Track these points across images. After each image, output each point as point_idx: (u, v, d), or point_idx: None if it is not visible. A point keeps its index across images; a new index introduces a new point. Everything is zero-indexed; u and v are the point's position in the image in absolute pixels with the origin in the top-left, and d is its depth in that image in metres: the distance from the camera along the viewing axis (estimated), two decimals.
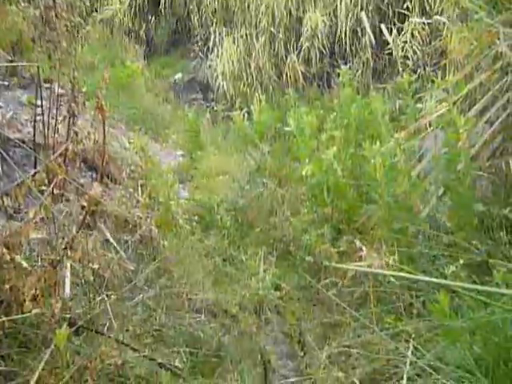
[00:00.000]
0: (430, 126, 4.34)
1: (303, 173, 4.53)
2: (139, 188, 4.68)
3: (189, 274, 4.51)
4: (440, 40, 8.67)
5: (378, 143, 4.19)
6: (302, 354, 4.51)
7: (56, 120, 4.16)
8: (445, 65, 8.38)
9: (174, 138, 8.34)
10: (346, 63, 10.27)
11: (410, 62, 9.59)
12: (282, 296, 5.26)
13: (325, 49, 10.67)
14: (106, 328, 2.89)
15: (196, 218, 6.12)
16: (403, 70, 9.53)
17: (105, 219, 3.94)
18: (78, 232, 2.86)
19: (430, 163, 3.83)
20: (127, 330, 3.01)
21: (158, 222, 4.47)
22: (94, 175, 4.72)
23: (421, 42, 9.68)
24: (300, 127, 6.01)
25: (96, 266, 3.04)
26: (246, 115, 9.03)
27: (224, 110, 10.16)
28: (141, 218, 4.11)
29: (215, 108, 10.31)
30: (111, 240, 3.73)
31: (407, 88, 4.96)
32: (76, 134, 3.84)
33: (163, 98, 11.06)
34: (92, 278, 3.02)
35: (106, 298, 2.98)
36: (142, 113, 8.94)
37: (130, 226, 4.08)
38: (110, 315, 2.86)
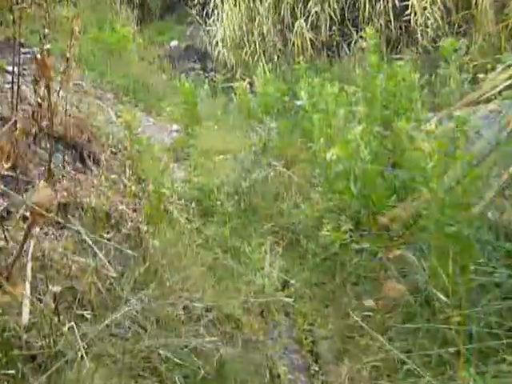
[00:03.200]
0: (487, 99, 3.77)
1: (327, 156, 3.95)
2: (126, 171, 4.11)
3: (185, 277, 3.97)
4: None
5: (411, 121, 3.65)
6: (316, 367, 4.01)
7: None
8: (471, 34, 7.81)
9: (168, 111, 7.75)
10: (358, 31, 9.70)
11: (430, 31, 8.96)
12: (290, 294, 4.76)
13: (335, 14, 10.01)
14: (74, 364, 2.33)
15: (193, 203, 5.60)
16: (422, 39, 8.98)
17: (80, 213, 3.37)
18: (15, 261, 2.27)
19: (489, 145, 3.27)
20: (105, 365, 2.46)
21: (148, 213, 3.92)
22: (72, 154, 4.15)
23: (442, 8, 9.04)
24: (312, 101, 5.45)
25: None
26: (248, 86, 8.49)
27: (224, 81, 9.55)
28: (127, 210, 3.55)
29: (214, 78, 9.68)
30: (88, 240, 3.14)
31: (451, 53, 4.37)
32: (40, 104, 3.25)
33: (157, 66, 10.46)
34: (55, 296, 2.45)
35: (76, 321, 2.43)
36: (134, 82, 8.35)
37: (113, 220, 3.51)
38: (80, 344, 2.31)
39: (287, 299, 4.71)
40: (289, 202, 5.62)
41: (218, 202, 5.53)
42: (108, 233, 3.33)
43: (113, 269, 2.99)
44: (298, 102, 5.45)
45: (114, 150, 5.29)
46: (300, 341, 4.33)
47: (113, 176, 3.93)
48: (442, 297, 2.85)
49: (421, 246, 3.48)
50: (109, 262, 3.02)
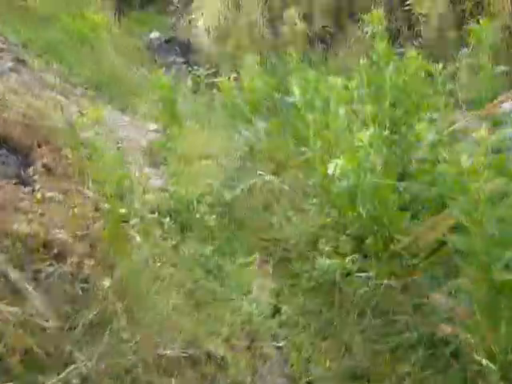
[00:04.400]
0: None
1: (330, 169, 3.39)
2: (86, 183, 3.55)
3: (155, 314, 3.45)
4: None
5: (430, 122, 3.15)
6: None
7: None
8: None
9: (145, 109, 7.20)
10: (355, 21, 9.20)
11: (434, 21, 8.44)
12: (282, 323, 4.24)
13: (329, 3, 9.48)
14: None
15: (169, 216, 5.06)
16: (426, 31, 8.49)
17: (13, 243, 2.79)
18: None
19: None
20: None
21: (106, 236, 3.36)
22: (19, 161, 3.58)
23: None
24: (306, 97, 4.92)
25: None
26: (234, 82, 7.95)
27: (208, 76, 8.99)
28: (68, 238, 2.98)
29: (198, 73, 9.10)
30: (17, 281, 2.55)
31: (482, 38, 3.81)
32: None
33: (135, 59, 9.89)
34: None
35: None
36: (107, 76, 7.78)
37: (55, 251, 2.93)
38: None
39: (279, 330, 4.20)
40: (279, 215, 5.10)
41: (199, 215, 4.99)
42: (46, 268, 2.77)
43: (53, 316, 2.44)
44: (290, 99, 4.92)
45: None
46: (294, 381, 3.81)
47: (52, 194, 3.32)
48: (488, 363, 2.31)
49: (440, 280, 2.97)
50: (46, 307, 2.46)
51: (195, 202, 5.13)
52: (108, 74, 7.84)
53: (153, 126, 6.86)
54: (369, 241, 3.39)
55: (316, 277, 4.31)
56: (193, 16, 10.30)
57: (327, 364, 3.79)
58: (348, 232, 4.19)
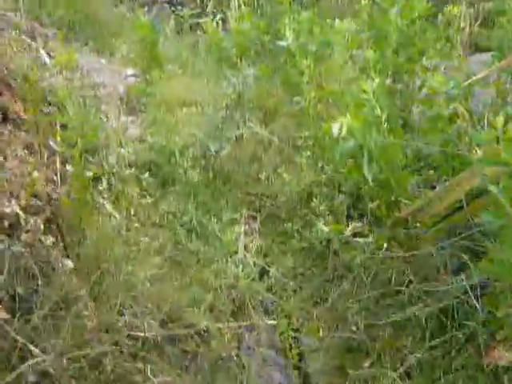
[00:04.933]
0: None
1: (335, 131, 3.04)
2: (53, 137, 3.19)
3: (128, 286, 3.17)
4: None
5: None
6: None
7: None
8: None
9: (124, 52, 6.77)
10: None
11: None
12: (270, 286, 3.97)
13: None
14: None
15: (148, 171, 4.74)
16: None
17: None
18: None
19: None
20: None
21: (66, 203, 3.01)
22: None
23: None
24: (300, 41, 4.56)
25: None
26: (220, 23, 7.52)
27: (192, 16, 8.53)
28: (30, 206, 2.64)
29: (181, 13, 8.63)
30: None
31: None
32: None
33: None
34: None
35: None
36: (83, 16, 7.31)
37: (6, 224, 2.57)
38: None
39: (267, 295, 3.93)
40: (268, 169, 4.79)
41: (180, 170, 4.66)
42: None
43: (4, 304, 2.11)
44: (282, 43, 4.55)
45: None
46: (284, 352, 3.55)
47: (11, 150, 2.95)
48: None
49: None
50: None
51: (177, 155, 4.80)
52: (83, 13, 7.38)
53: (132, 71, 6.44)
54: (372, 205, 3.08)
55: (308, 237, 4.03)
56: None
57: (320, 334, 3.54)
58: (344, 190, 3.89)
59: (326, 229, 3.23)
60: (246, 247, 4.31)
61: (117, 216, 3.42)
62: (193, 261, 4.13)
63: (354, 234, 3.44)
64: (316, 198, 4.17)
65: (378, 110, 2.98)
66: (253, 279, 3.99)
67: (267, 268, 4.10)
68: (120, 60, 6.72)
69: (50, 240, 2.67)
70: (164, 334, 3.27)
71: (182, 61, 6.50)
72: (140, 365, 2.93)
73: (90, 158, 4.35)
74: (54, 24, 6.97)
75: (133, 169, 4.43)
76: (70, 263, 2.65)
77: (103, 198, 3.56)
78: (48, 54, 5.46)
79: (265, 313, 3.88)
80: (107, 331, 2.92)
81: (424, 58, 4.11)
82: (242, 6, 7.58)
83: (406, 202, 3.11)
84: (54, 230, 3.06)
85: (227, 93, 5.10)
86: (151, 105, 5.57)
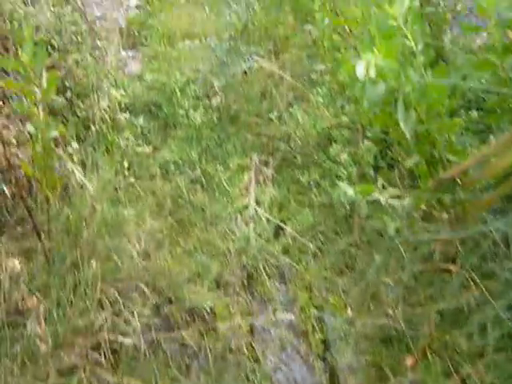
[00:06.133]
0: None
1: (360, 72, 2.01)
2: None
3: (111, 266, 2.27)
4: None
5: None
6: None
7: None
8: None
9: None
10: None
11: None
12: (286, 246, 3.05)
13: None
14: None
15: (149, 111, 3.77)
16: None
17: None
18: None
19: None
20: None
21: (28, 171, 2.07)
22: None
23: None
24: None
25: None
26: None
27: None
28: None
29: None
30: None
31: None
32: None
33: None
34: None
35: None
36: None
37: None
38: None
39: (282, 258, 3.01)
40: (280, 107, 3.78)
41: (183, 111, 3.67)
42: None
43: None
44: None
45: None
46: (305, 336, 2.65)
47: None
48: None
49: None
50: None
51: (178, 93, 3.80)
52: None
53: (134, 1, 5.35)
54: (409, 162, 2.11)
55: (329, 192, 3.07)
56: None
57: (348, 312, 2.63)
58: (369, 136, 2.89)
59: (350, 191, 2.26)
60: (257, 200, 3.36)
61: (88, 186, 2.43)
62: (197, 219, 3.22)
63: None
64: (335, 142, 3.18)
65: (412, 41, 1.98)
66: (266, 240, 3.06)
67: (282, 226, 3.16)
68: None
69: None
70: (157, 324, 2.38)
71: None
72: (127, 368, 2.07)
73: (81, 104, 3.39)
74: None
75: (127, 113, 3.45)
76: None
77: (73, 161, 2.57)
78: None
79: (280, 281, 2.97)
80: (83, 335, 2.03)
81: None
82: None
83: (453, 158, 2.12)
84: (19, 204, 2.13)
85: (231, 22, 4.02)
86: (151, 38, 4.52)
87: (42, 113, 1.98)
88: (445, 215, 2.27)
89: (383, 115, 2.05)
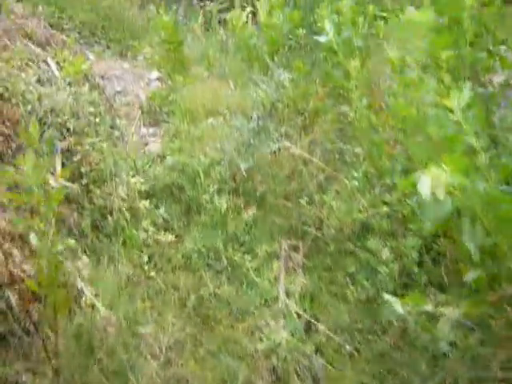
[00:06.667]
0: None
1: (425, 192, 1.80)
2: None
3: None
4: None
5: None
6: None
7: None
8: None
9: (148, 54, 5.65)
10: None
11: None
12: (319, 345, 2.83)
13: None
14: None
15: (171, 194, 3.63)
16: None
17: None
18: None
19: None
20: None
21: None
22: None
23: None
24: (342, 36, 3.37)
25: None
26: (250, 16, 6.32)
27: (221, 11, 7.30)
28: None
29: (208, 8, 7.40)
30: None
31: None
32: None
33: None
34: None
35: None
36: (106, 18, 6.19)
37: None
38: None
39: (316, 359, 2.79)
40: (311, 187, 3.61)
41: (207, 196, 3.52)
42: None
43: None
44: (321, 38, 3.34)
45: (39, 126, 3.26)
46: None
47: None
48: None
49: None
50: None
51: (202, 175, 3.66)
52: (106, 14, 6.26)
53: (155, 74, 5.30)
54: (470, 276, 1.89)
55: (367, 286, 2.87)
56: None
57: None
58: (413, 227, 2.69)
59: (399, 307, 2.04)
60: (287, 290, 3.16)
61: (100, 308, 2.25)
62: (222, 314, 3.02)
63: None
64: (373, 232, 2.99)
65: (474, 140, 1.80)
66: (298, 339, 2.86)
67: (315, 322, 2.95)
68: (143, 63, 5.56)
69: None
70: None
71: (208, 61, 5.30)
72: None
73: (97, 190, 3.26)
74: (75, 28, 5.85)
75: (147, 200, 3.31)
76: None
77: (82, 278, 2.40)
78: (58, 63, 4.35)
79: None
80: None
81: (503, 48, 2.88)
82: None
83: None
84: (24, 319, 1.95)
85: (259, 99, 3.90)
86: (174, 114, 4.43)
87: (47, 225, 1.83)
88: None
89: (441, 226, 1.87)
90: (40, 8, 5.71)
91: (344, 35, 3.23)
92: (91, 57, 5.44)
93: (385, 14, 3.79)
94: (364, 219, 3.01)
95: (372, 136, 2.89)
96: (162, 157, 4.02)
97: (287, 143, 3.48)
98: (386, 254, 2.68)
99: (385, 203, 2.86)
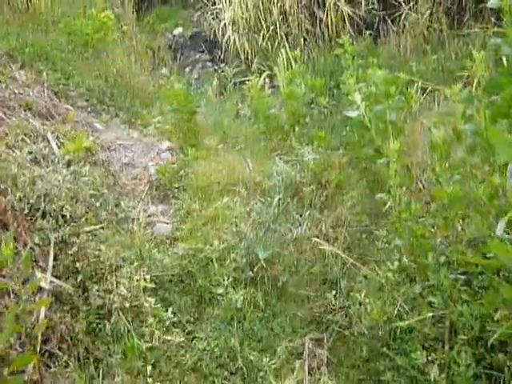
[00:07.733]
0: None
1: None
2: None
3: None
4: None
5: None
6: None
7: None
8: None
9: (158, 122, 5.45)
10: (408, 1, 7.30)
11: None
12: None
13: None
14: None
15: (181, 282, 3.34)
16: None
17: None
18: None
19: None
20: None
21: None
22: None
23: None
24: (374, 110, 3.14)
25: None
26: (267, 81, 6.15)
27: (236, 75, 7.16)
28: None
29: (224, 72, 7.26)
30: None
31: None
32: None
33: (154, 60, 8.14)
34: None
35: None
36: (114, 85, 6.03)
37: None
38: None
39: None
40: (334, 273, 3.33)
41: (221, 288, 3.22)
42: None
43: None
44: (352, 113, 3.08)
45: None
46: None
47: None
48: None
49: None
50: None
51: (215, 263, 3.37)
52: (115, 80, 6.11)
53: (166, 144, 5.07)
54: None
55: None
56: (218, 6, 8.41)
57: None
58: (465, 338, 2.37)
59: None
60: None
61: None
62: None
63: None
64: (411, 333, 2.67)
65: None
66: None
67: None
68: (154, 132, 5.35)
69: None
70: None
71: (223, 130, 5.08)
72: None
73: (95, 288, 2.96)
74: (82, 95, 5.68)
75: (153, 299, 3.01)
76: None
77: None
78: (58, 138, 4.15)
79: None
80: None
81: None
82: (291, 61, 6.21)
83: None
84: None
85: (278, 177, 3.63)
86: (186, 191, 4.18)
87: None
88: None
89: None
90: (44, 75, 5.57)
91: (376, 109, 2.97)
92: (98, 126, 5.24)
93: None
94: (403, 325, 2.68)
95: (414, 227, 2.60)
96: (172, 239, 3.75)
97: (310, 231, 3.18)
98: (435, 374, 2.34)
99: (432, 308, 2.53)
